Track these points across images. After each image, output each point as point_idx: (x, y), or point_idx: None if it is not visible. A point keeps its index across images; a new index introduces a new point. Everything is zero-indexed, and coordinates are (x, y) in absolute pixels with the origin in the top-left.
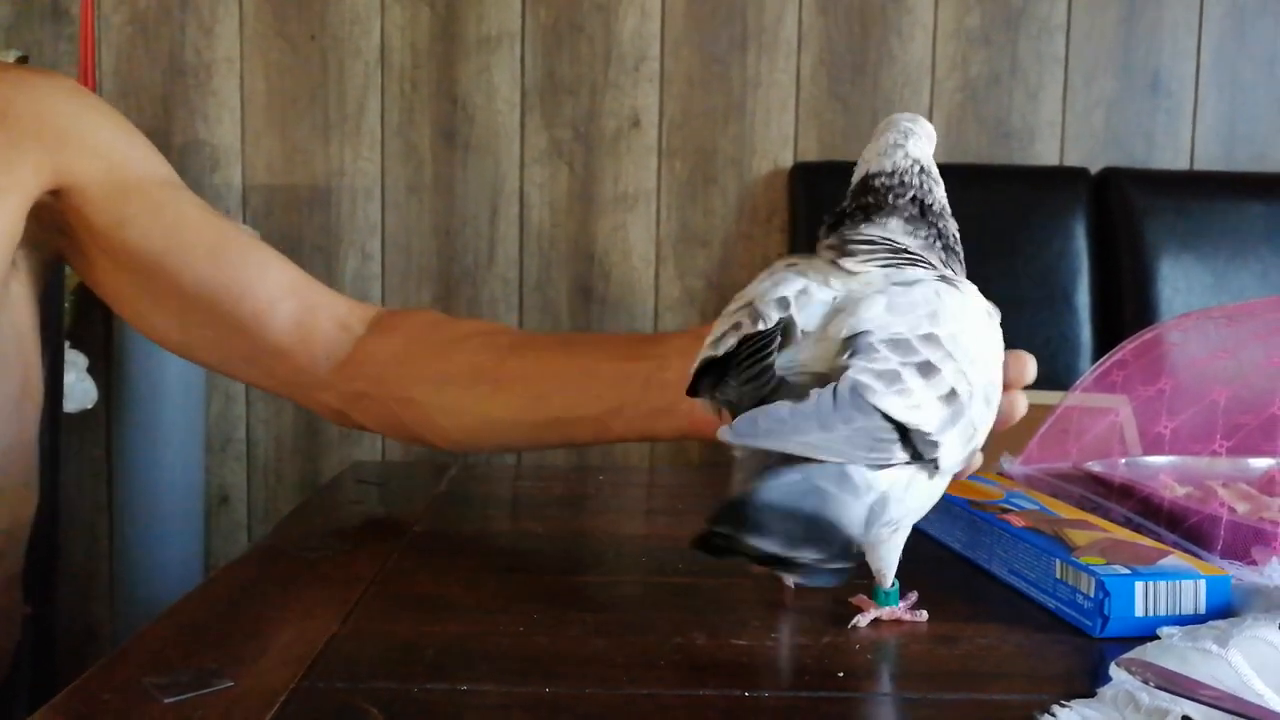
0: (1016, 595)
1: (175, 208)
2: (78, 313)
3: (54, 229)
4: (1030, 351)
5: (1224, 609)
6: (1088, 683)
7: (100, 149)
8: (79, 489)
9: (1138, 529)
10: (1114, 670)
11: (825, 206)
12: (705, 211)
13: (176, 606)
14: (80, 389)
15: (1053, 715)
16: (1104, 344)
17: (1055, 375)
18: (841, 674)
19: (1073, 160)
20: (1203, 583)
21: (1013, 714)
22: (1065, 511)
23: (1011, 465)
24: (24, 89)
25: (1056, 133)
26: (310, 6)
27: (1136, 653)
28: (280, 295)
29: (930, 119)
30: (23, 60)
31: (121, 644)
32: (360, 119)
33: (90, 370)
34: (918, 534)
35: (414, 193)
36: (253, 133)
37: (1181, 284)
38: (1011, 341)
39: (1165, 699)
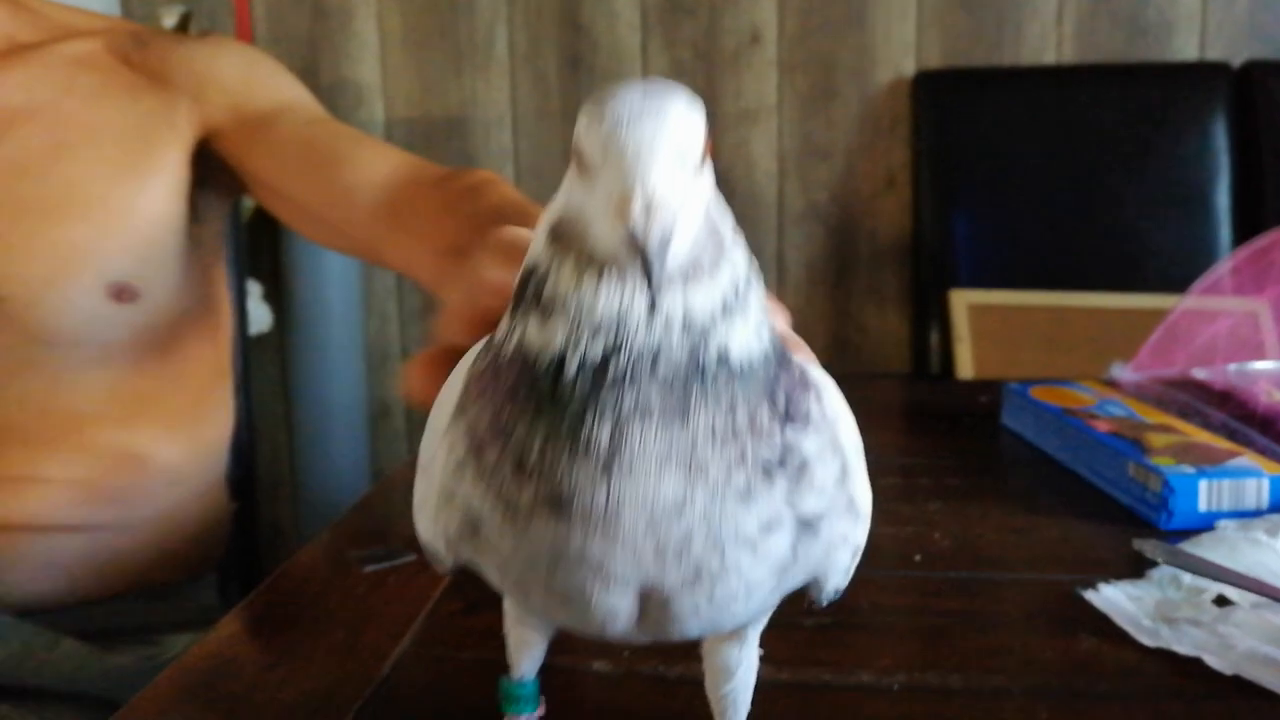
0: (1096, 493)
1: (279, 129)
2: (250, 243)
3: (219, 168)
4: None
5: None
6: (1146, 569)
7: (228, 87)
8: (261, 406)
9: (1233, 434)
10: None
11: (949, 114)
12: (827, 124)
13: (365, 498)
14: (257, 315)
15: (1095, 590)
16: None
17: (1190, 281)
18: (918, 558)
19: (1214, 55)
20: (1266, 481)
21: (1062, 590)
22: (1153, 417)
23: (1122, 372)
24: (179, 48)
25: (1196, 25)
26: None
27: (1191, 542)
28: (371, 188)
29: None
30: (186, 17)
31: (330, 524)
32: (489, 50)
33: (264, 297)
34: (1014, 438)
35: (543, 119)
36: (392, 69)
37: None
38: (1144, 246)
39: (1204, 581)
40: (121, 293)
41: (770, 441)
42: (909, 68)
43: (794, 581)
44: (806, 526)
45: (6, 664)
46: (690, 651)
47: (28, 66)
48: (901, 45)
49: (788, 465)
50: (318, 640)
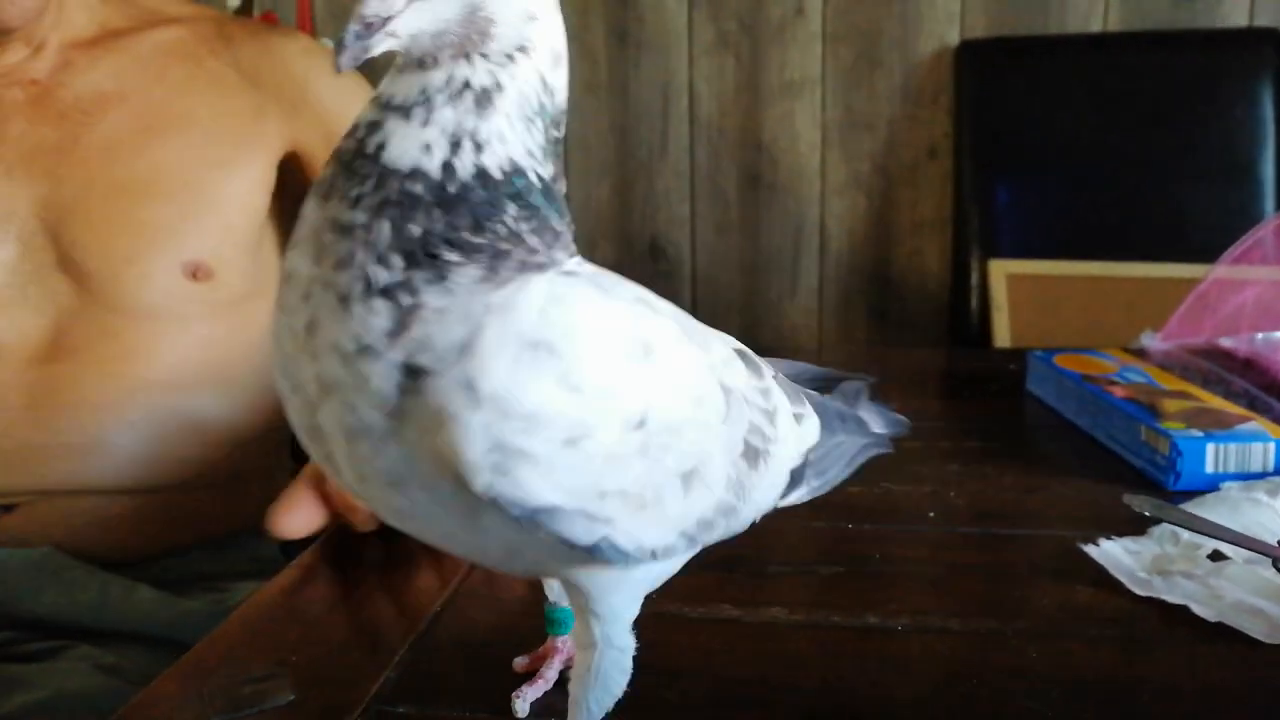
0: (1111, 456)
1: None
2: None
3: (298, 179)
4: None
5: None
6: (1149, 527)
7: (323, 113)
8: None
9: (1253, 401)
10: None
11: (992, 84)
12: (870, 95)
13: None
14: None
15: (1096, 545)
16: None
17: None
18: (932, 514)
19: (1263, 21)
20: (1272, 445)
21: (1066, 545)
22: (1171, 384)
23: (1151, 340)
24: (269, 52)
25: None
26: None
27: (1195, 502)
28: None
29: None
30: (248, 6)
31: None
32: None
33: None
34: (1037, 404)
35: (591, 92)
36: None
37: None
38: (1187, 215)
39: (1201, 537)
40: (197, 271)
41: (385, 262)
42: (953, 37)
43: (419, 443)
44: (411, 376)
45: (87, 609)
46: (710, 595)
47: (120, 54)
48: (946, 15)
49: (396, 299)
50: (373, 585)
